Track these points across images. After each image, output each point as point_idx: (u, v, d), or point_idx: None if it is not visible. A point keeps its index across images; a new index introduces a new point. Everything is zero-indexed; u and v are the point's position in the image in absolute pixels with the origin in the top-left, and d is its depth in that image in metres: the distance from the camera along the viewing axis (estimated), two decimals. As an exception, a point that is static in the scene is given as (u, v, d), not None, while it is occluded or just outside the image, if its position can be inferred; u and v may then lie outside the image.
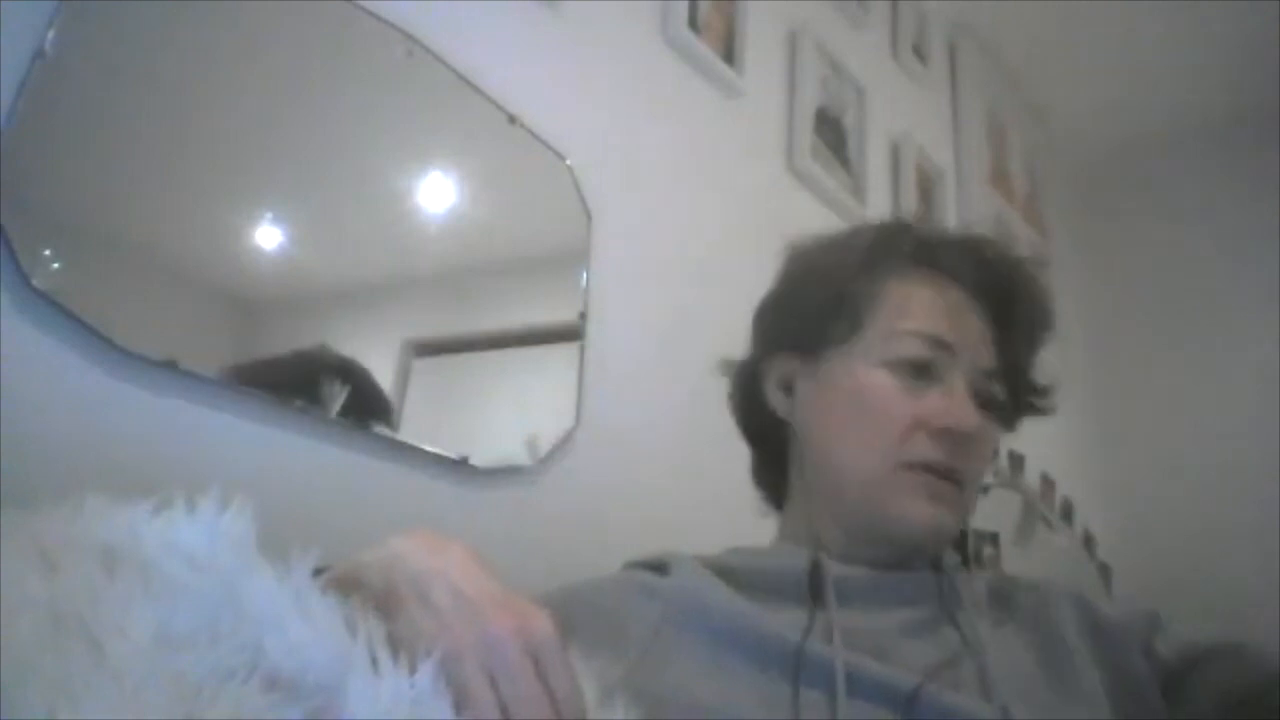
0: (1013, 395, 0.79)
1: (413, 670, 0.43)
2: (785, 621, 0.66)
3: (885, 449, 0.72)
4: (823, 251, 0.83)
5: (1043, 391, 0.84)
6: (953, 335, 0.75)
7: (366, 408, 0.90)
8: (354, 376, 0.89)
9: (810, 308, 0.80)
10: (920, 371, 0.74)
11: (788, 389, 0.80)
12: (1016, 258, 0.83)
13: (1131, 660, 0.67)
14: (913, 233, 0.81)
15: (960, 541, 0.81)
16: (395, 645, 0.45)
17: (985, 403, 0.75)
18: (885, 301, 0.77)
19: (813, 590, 0.69)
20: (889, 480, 0.72)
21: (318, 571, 0.51)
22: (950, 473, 0.72)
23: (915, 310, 0.76)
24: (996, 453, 0.89)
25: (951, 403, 0.72)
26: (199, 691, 0.38)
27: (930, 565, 0.75)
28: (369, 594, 0.49)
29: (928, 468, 0.71)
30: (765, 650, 0.64)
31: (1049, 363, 0.84)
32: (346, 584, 0.50)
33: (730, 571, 0.72)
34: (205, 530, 0.47)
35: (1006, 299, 0.78)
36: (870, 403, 0.74)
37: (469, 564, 0.49)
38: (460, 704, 0.43)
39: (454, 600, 0.47)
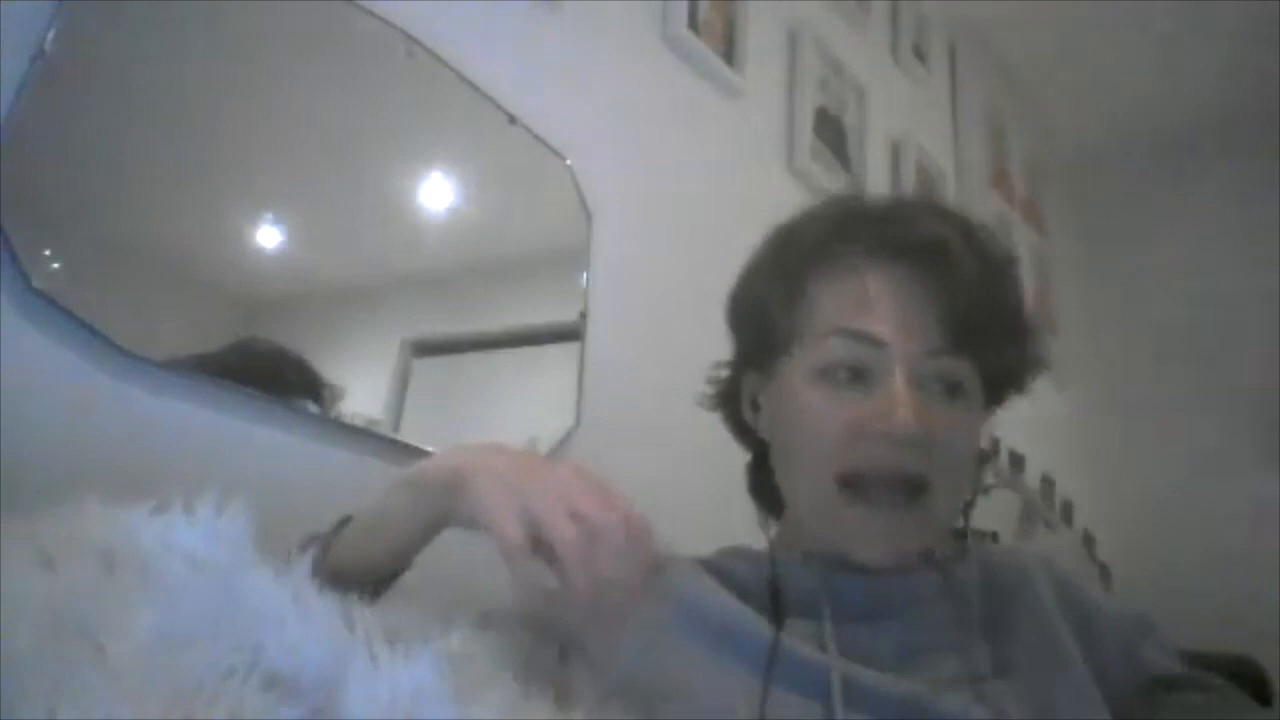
0: (981, 368, 0.68)
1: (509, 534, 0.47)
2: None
3: (823, 466, 0.66)
4: (754, 260, 0.77)
5: (1012, 352, 0.71)
6: (878, 325, 0.66)
7: (309, 390, 0.89)
8: (290, 363, 0.88)
9: (748, 325, 0.76)
10: (854, 374, 0.66)
11: (755, 406, 0.77)
12: (941, 209, 0.73)
13: (1110, 657, 0.67)
14: (820, 223, 0.72)
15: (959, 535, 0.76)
16: (474, 514, 0.50)
17: (945, 389, 0.66)
18: (807, 305, 0.70)
19: (774, 600, 0.67)
20: (834, 504, 0.65)
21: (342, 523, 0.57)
22: (904, 480, 0.64)
23: (831, 309, 0.68)
24: (986, 451, 0.77)
25: (887, 402, 0.64)
26: (199, 691, 0.38)
27: (928, 562, 0.74)
28: (435, 485, 0.54)
29: (871, 479, 0.64)
30: (757, 653, 0.64)
31: (1032, 320, 0.72)
32: (410, 485, 0.56)
33: (725, 573, 0.72)
34: (204, 531, 0.47)
35: (937, 259, 0.66)
36: (804, 419, 0.68)
37: (510, 447, 0.56)
38: (549, 538, 0.47)
39: (516, 463, 0.52)
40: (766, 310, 0.72)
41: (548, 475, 0.51)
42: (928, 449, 0.64)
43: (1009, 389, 0.73)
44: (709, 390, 0.82)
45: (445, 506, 0.53)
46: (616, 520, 0.48)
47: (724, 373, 0.81)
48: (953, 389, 0.66)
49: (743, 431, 0.80)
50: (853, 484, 0.65)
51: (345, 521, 0.59)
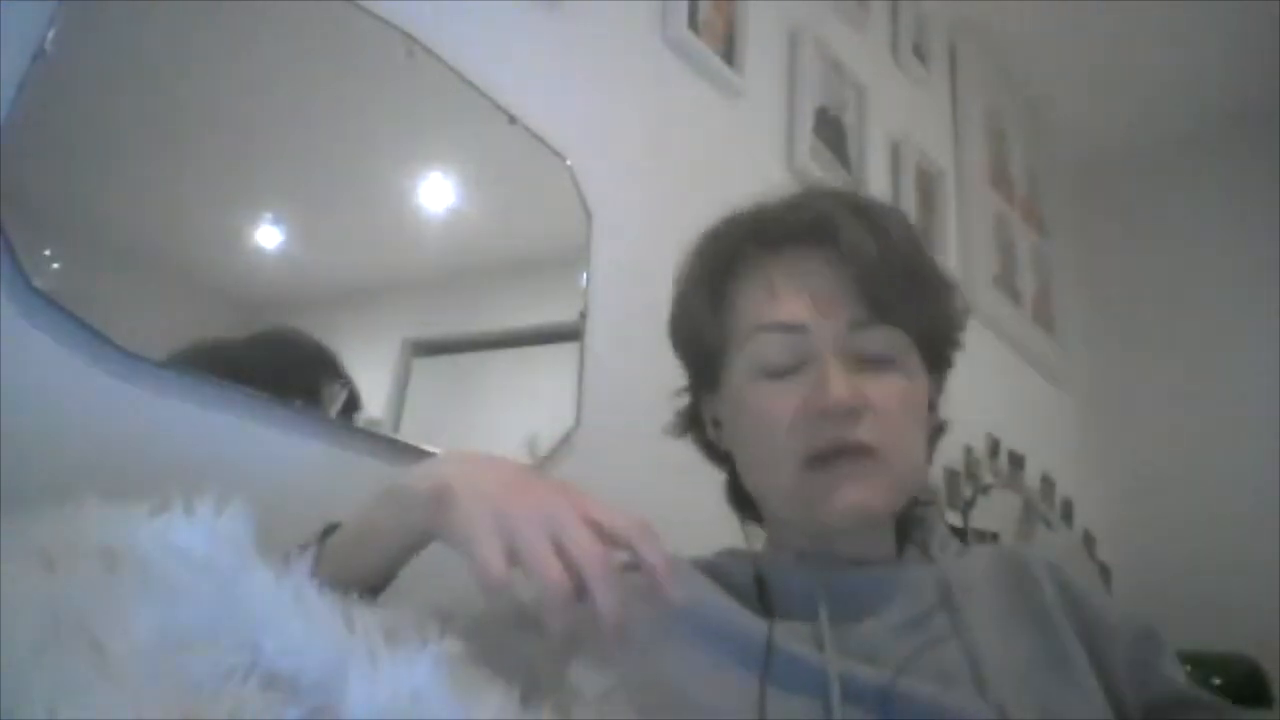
0: (910, 333, 0.70)
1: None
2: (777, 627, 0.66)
3: (784, 455, 0.68)
4: (679, 287, 0.80)
5: (931, 309, 0.72)
6: (796, 313, 0.69)
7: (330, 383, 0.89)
8: (322, 360, 0.89)
9: (689, 347, 0.79)
10: (789, 364, 0.69)
11: (716, 424, 0.79)
12: (829, 190, 0.77)
13: (1117, 665, 0.67)
14: (723, 234, 0.77)
15: (917, 515, 0.77)
16: (455, 537, 0.48)
17: (877, 359, 0.69)
18: (730, 311, 0.74)
19: (761, 598, 0.68)
20: (802, 485, 0.68)
21: (329, 532, 0.56)
22: (856, 448, 0.66)
23: (750, 309, 0.72)
24: (943, 420, 0.79)
25: (819, 381, 0.66)
26: (199, 691, 0.38)
27: (921, 552, 0.74)
28: (420, 499, 0.52)
29: (827, 454, 0.67)
30: (754, 652, 0.64)
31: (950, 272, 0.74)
32: (394, 498, 0.54)
33: (722, 575, 0.72)
34: (204, 531, 0.47)
35: (830, 236, 0.69)
36: (754, 416, 0.70)
37: (503, 459, 0.54)
38: (530, 568, 0.46)
39: (503, 482, 0.50)
40: (698, 327, 0.76)
41: (535, 500, 0.49)
42: (866, 417, 0.66)
43: (944, 347, 0.76)
44: (674, 419, 0.84)
45: (428, 523, 0.52)
46: (601, 556, 0.47)
47: (684, 400, 0.83)
48: (885, 359, 0.69)
49: (711, 451, 0.82)
50: (812, 463, 0.67)
51: (332, 529, 0.58)
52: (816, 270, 0.70)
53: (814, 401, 0.67)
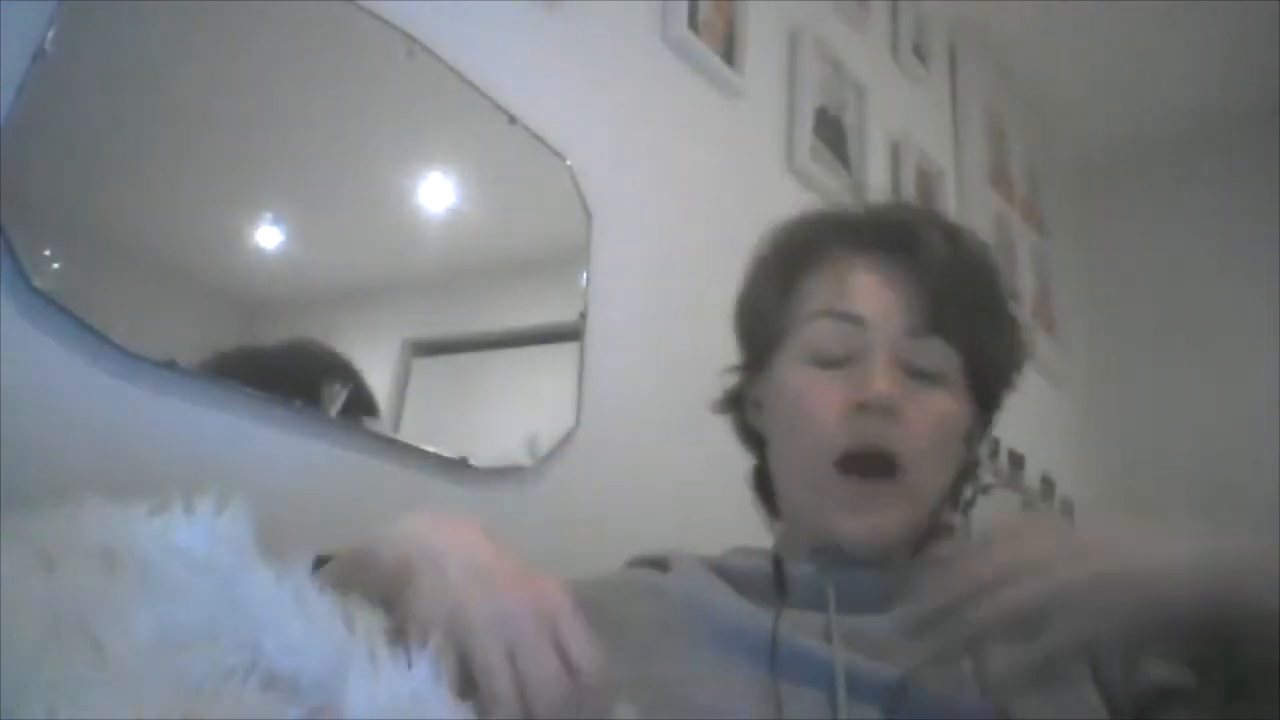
0: (963, 356, 0.71)
1: (422, 645, 0.43)
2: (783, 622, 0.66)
3: (818, 446, 0.69)
4: (751, 267, 0.81)
5: (991, 339, 0.73)
6: (859, 305, 0.70)
7: (358, 403, 0.90)
8: (344, 373, 0.89)
9: (748, 328, 0.81)
10: (841, 356, 0.70)
11: (757, 406, 0.80)
12: (917, 207, 0.79)
13: (1113, 667, 0.67)
14: (807, 226, 0.78)
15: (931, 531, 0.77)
16: (408, 622, 0.45)
17: (926, 373, 0.69)
18: (797, 299, 0.75)
19: (777, 589, 0.68)
20: (825, 487, 0.68)
21: (321, 561, 0.52)
22: (880, 460, 0.67)
23: (817, 297, 0.73)
24: (978, 453, 0.78)
25: (864, 375, 0.67)
26: (199, 691, 0.38)
27: (927, 558, 0.75)
28: (383, 569, 0.50)
29: (853, 461, 0.67)
30: (763, 647, 0.64)
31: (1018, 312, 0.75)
32: (360, 561, 0.52)
33: (731, 572, 0.72)
34: (204, 531, 0.47)
35: (912, 246, 0.71)
36: (795, 401, 0.71)
37: (482, 539, 0.51)
38: (478, 678, 0.44)
39: (469, 573, 0.47)
40: (761, 310, 0.77)
41: (496, 596, 0.46)
42: (898, 422, 0.67)
43: (997, 383, 0.76)
44: (719, 395, 0.84)
45: (388, 597, 0.50)
46: (553, 672, 0.44)
47: (732, 379, 0.83)
48: (934, 375, 0.70)
49: (747, 434, 0.83)
50: (840, 465, 0.68)
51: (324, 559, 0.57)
52: (888, 274, 0.71)
53: (855, 394, 0.67)
